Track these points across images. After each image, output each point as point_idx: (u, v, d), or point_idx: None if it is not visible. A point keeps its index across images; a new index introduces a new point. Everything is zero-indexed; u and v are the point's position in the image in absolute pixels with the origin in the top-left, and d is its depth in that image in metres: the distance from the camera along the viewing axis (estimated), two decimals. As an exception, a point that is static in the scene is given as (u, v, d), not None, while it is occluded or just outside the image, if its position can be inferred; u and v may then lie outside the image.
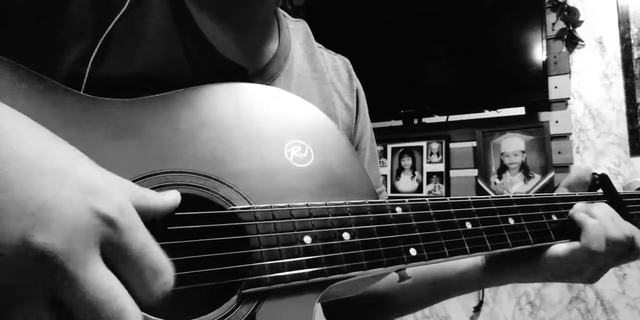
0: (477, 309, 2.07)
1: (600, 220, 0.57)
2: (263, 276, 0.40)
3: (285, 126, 0.50)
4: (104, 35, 0.47)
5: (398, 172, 2.29)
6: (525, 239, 0.56)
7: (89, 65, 0.45)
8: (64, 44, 0.46)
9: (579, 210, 0.59)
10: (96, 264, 0.27)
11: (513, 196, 0.59)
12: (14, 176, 0.26)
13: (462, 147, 2.17)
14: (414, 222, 0.49)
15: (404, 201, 0.50)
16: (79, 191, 0.28)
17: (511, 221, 0.56)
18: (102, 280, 0.27)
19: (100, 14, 0.48)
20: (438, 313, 2.17)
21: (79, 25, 0.47)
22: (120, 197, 0.30)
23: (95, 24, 0.47)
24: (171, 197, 0.37)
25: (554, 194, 0.63)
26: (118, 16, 0.48)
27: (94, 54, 0.46)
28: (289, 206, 0.44)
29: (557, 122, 1.97)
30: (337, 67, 0.75)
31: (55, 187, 0.27)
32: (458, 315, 2.13)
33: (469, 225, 0.53)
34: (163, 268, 0.31)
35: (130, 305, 0.29)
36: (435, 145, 2.22)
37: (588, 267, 0.58)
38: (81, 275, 0.26)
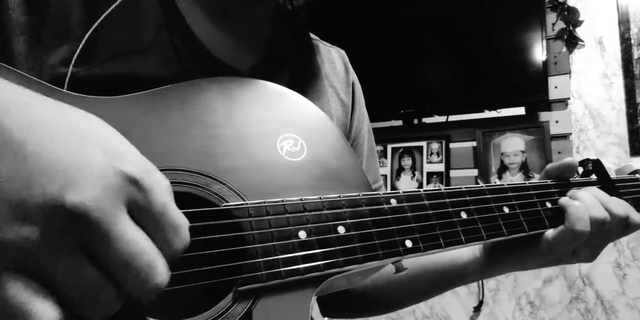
0: (477, 309, 2.07)
1: (583, 202, 0.58)
2: (258, 273, 0.40)
3: (277, 120, 0.50)
4: (87, 35, 0.46)
5: (398, 172, 2.29)
6: (520, 227, 0.56)
7: (71, 64, 0.45)
8: (49, 44, 0.45)
9: (564, 197, 0.61)
10: (125, 220, 0.29)
11: (507, 184, 0.59)
12: (38, 143, 0.27)
13: (462, 147, 2.17)
14: (409, 214, 0.49)
15: (399, 192, 0.50)
16: (102, 154, 0.29)
17: (506, 210, 0.56)
18: (132, 235, 0.29)
19: (89, 13, 0.47)
20: (438, 313, 2.17)
21: (66, 25, 0.46)
22: (140, 156, 0.32)
23: (83, 23, 0.47)
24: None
25: (548, 181, 0.64)
26: (104, 15, 0.48)
27: (76, 53, 0.45)
28: (282, 201, 0.43)
29: (557, 122, 1.96)
30: (332, 60, 0.74)
31: (80, 149, 0.28)
32: (458, 315, 2.12)
33: (464, 215, 0.53)
34: (182, 224, 0.32)
35: (159, 258, 0.30)
36: (435, 145, 2.22)
37: (581, 247, 0.59)
38: (113, 230, 0.28)
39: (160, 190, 0.31)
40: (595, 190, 0.61)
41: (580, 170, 0.68)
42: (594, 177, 0.68)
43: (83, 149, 0.28)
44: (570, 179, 0.65)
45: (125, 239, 0.28)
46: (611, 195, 0.61)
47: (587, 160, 0.68)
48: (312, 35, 0.73)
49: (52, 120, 0.29)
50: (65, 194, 0.26)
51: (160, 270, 0.30)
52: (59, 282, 0.27)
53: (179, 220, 0.32)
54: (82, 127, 0.30)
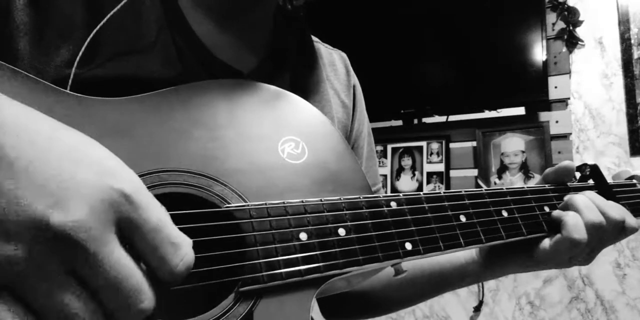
0: (477, 309, 2.07)
1: (580, 210, 0.58)
2: (259, 274, 0.40)
3: (278, 122, 0.50)
4: (91, 36, 0.46)
5: (398, 172, 2.29)
6: (519, 230, 0.57)
7: (74, 66, 0.45)
8: (52, 44, 0.45)
9: (556, 210, 0.61)
10: (113, 242, 0.28)
11: (506, 188, 0.59)
12: (30, 162, 0.27)
13: (462, 147, 2.17)
14: (409, 217, 0.49)
15: (399, 195, 0.50)
16: (94, 172, 0.29)
17: (504, 213, 0.57)
18: (119, 258, 0.28)
19: (91, 14, 0.47)
20: (438, 313, 2.17)
21: (68, 25, 0.46)
22: (134, 176, 0.31)
23: (86, 25, 0.47)
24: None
25: (546, 185, 0.64)
26: (108, 17, 0.48)
27: (79, 54, 0.45)
28: (283, 203, 0.44)
29: (557, 122, 1.97)
30: (333, 62, 0.74)
31: (71, 170, 0.28)
32: (458, 315, 2.13)
33: (463, 219, 0.53)
34: (181, 241, 0.32)
35: (145, 283, 0.30)
36: (435, 145, 2.22)
37: (578, 254, 0.59)
38: (100, 252, 0.27)
39: (155, 207, 0.31)
40: (592, 194, 0.61)
41: (578, 175, 0.69)
42: (591, 182, 0.69)
43: (75, 169, 0.28)
44: (568, 184, 0.65)
45: (112, 262, 0.28)
46: (608, 199, 0.61)
47: (585, 165, 0.68)
48: (314, 38, 0.73)
49: (47, 140, 0.28)
50: (51, 214, 0.26)
51: (147, 295, 0.29)
52: (41, 304, 0.27)
53: (177, 236, 0.31)
54: (77, 148, 0.30)
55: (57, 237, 0.26)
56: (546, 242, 0.58)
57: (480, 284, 2.07)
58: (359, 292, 0.72)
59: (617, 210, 0.60)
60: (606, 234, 0.59)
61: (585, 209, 0.58)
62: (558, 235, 0.57)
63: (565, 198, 0.61)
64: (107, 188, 0.28)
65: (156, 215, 0.31)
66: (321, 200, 0.46)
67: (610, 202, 0.60)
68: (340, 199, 0.47)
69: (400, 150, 2.30)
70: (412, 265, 0.69)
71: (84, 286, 0.28)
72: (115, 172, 0.30)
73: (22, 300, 0.26)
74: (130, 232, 0.30)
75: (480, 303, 2.06)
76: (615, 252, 1.85)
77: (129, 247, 0.30)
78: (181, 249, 0.31)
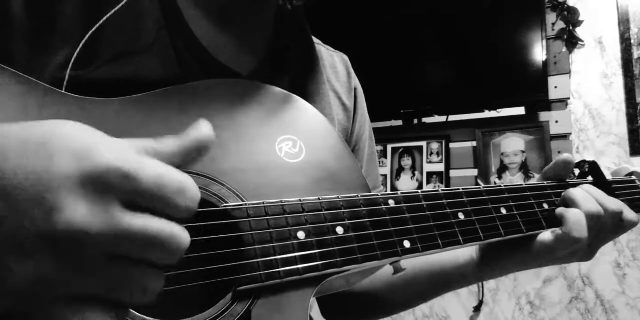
0: (477, 309, 2.07)
1: (578, 202, 0.58)
2: (257, 273, 0.40)
3: (276, 122, 0.50)
4: (86, 37, 0.46)
5: (398, 172, 2.29)
6: (518, 228, 0.57)
7: (69, 68, 0.45)
8: (50, 46, 0.45)
9: (560, 208, 0.61)
10: (124, 215, 0.28)
11: (505, 186, 0.59)
12: (5, 167, 0.26)
13: (462, 147, 2.17)
14: (407, 215, 0.50)
15: (397, 194, 0.51)
16: (72, 159, 0.27)
17: (503, 211, 0.57)
18: (138, 224, 0.28)
19: (90, 16, 0.47)
20: (438, 313, 2.17)
21: (67, 27, 0.46)
22: (112, 146, 0.29)
23: (83, 27, 0.47)
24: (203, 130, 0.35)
25: (545, 182, 0.64)
26: (102, 20, 0.48)
27: (74, 56, 0.45)
28: (281, 202, 0.44)
29: (557, 122, 1.97)
30: (335, 64, 0.74)
31: (47, 165, 0.27)
32: (458, 315, 2.12)
33: (461, 216, 0.53)
34: (185, 186, 0.30)
35: (175, 227, 0.30)
36: (435, 145, 2.22)
37: (578, 249, 0.59)
38: (118, 231, 0.27)
39: (145, 168, 0.29)
40: (590, 187, 0.61)
41: (577, 172, 0.69)
42: (590, 178, 0.69)
43: (49, 162, 0.27)
44: (567, 180, 0.65)
45: (134, 232, 0.28)
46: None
47: (584, 161, 0.68)
48: (315, 40, 0.73)
49: (14, 144, 0.27)
50: (53, 221, 0.26)
51: (183, 237, 0.30)
52: (103, 291, 0.27)
53: (180, 183, 0.30)
54: (47, 138, 0.28)
55: (71, 239, 0.26)
56: (545, 237, 0.58)
57: (480, 283, 2.07)
58: (359, 292, 0.72)
59: (615, 202, 0.60)
60: (605, 226, 0.59)
61: (584, 200, 0.58)
62: (558, 231, 0.57)
63: (565, 193, 0.61)
64: (88, 173, 0.27)
65: (151, 174, 0.29)
66: (319, 199, 0.46)
67: (609, 197, 0.60)
68: (338, 198, 0.47)
69: (400, 150, 2.30)
70: (412, 265, 0.69)
71: (133, 259, 0.28)
72: (91, 151, 0.28)
73: (89, 297, 0.27)
74: (135, 199, 0.29)
75: (480, 303, 2.06)
76: (616, 252, 1.85)
77: (142, 209, 0.30)
78: (187, 191, 0.30)
